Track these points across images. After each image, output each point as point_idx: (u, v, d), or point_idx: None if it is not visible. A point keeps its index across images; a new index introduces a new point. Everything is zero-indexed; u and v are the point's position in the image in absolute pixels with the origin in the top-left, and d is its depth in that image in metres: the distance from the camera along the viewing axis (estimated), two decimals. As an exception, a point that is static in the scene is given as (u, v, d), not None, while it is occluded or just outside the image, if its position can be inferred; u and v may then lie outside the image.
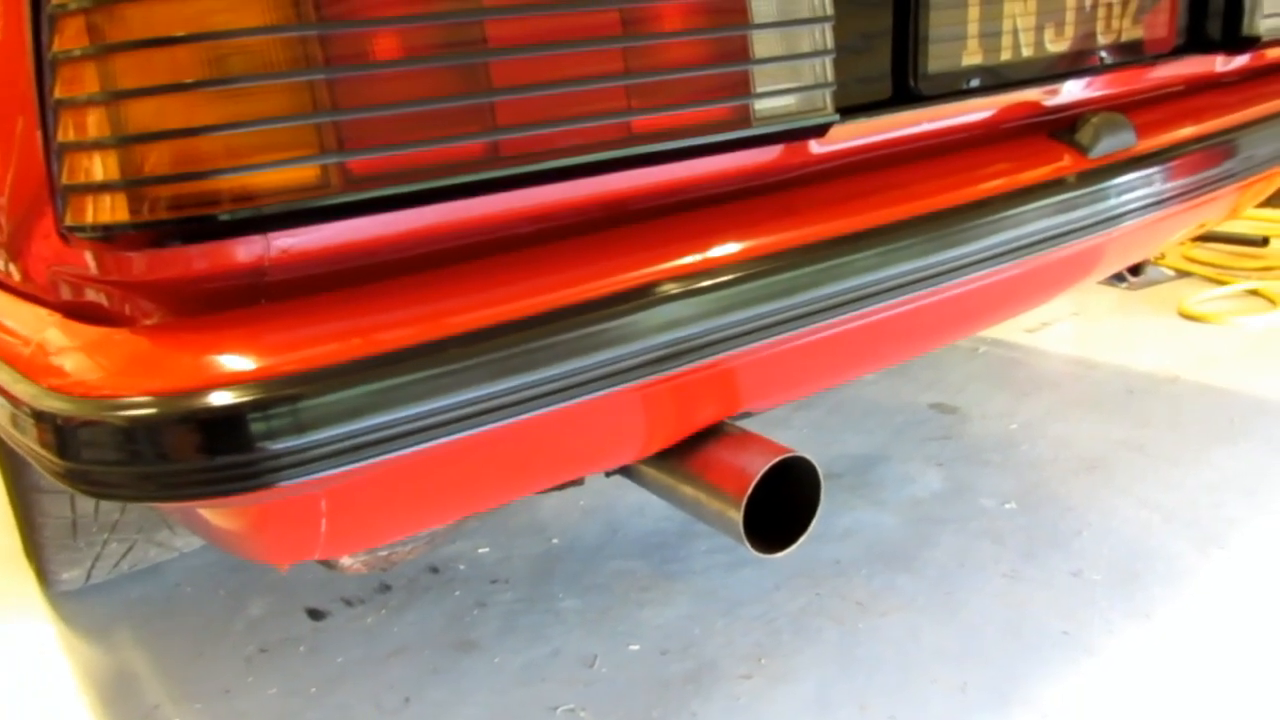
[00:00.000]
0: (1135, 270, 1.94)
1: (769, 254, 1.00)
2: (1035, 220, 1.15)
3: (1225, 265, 3.22)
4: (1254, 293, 2.98)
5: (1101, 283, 3.15)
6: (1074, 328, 2.84)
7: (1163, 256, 3.31)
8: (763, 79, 0.95)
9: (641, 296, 0.91)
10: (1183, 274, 3.21)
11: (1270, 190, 2.00)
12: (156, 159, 0.73)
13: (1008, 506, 1.89)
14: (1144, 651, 1.46)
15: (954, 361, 2.64)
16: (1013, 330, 2.82)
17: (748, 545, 1.12)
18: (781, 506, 1.19)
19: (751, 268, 0.98)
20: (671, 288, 0.93)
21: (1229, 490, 1.89)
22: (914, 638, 1.53)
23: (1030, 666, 1.45)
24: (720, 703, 1.42)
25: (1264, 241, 3.31)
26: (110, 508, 1.70)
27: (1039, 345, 2.72)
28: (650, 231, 0.97)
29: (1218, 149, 1.41)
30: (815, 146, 1.08)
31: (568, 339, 0.87)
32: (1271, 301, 2.89)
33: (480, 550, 1.87)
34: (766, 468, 1.11)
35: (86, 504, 1.68)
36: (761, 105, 0.96)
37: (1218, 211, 1.75)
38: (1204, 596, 1.58)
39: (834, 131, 1.06)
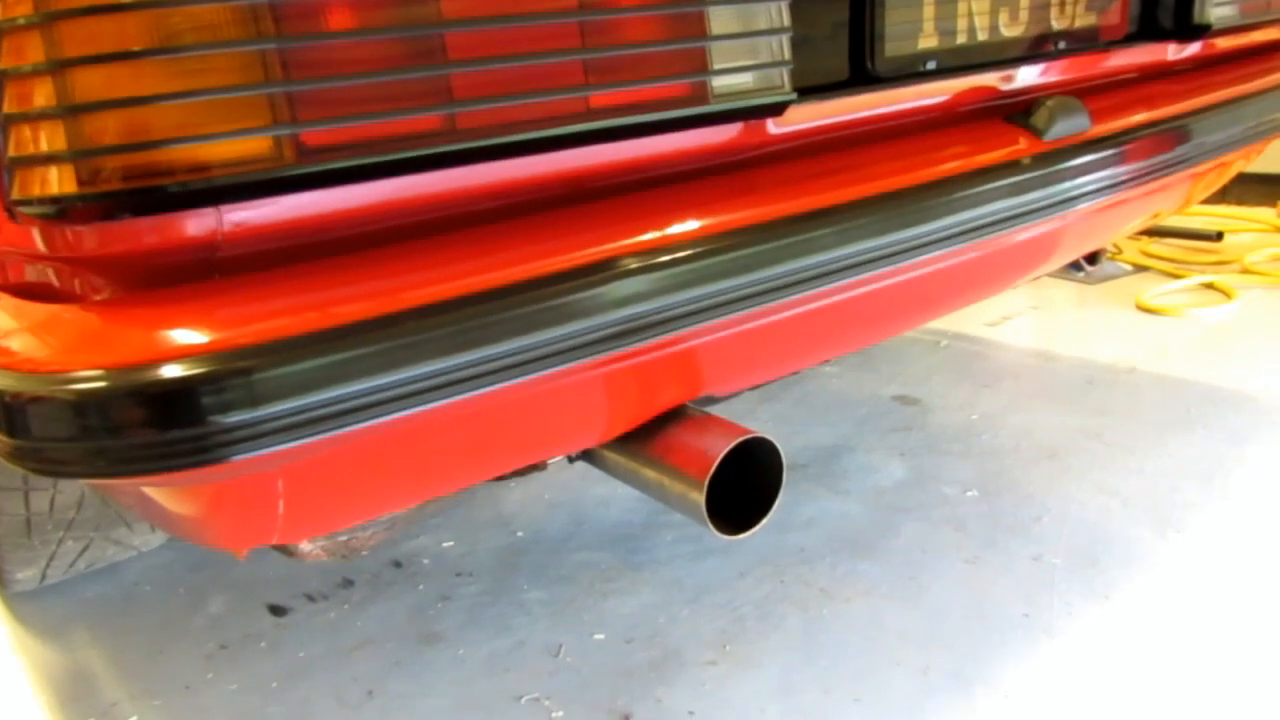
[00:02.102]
0: (1092, 259, 1.96)
1: (726, 232, 1.00)
2: (991, 201, 1.16)
3: (1181, 260, 3.28)
4: (1209, 286, 3.02)
5: (1060, 277, 3.19)
6: (1034, 321, 2.87)
7: (1120, 251, 3.36)
8: (720, 56, 0.95)
9: (599, 272, 0.91)
10: (1140, 269, 3.25)
11: (1221, 183, 2.03)
12: (104, 129, 0.72)
13: (969, 494, 1.90)
14: (1103, 633, 1.48)
15: (916, 354, 2.66)
16: (973, 324, 2.85)
17: (711, 527, 1.12)
18: (745, 488, 1.20)
19: (708, 245, 0.98)
20: (630, 264, 0.93)
21: (1186, 476, 1.91)
22: (877, 623, 1.54)
23: (992, 649, 1.46)
24: (685, 689, 1.42)
25: (1218, 236, 3.37)
26: (66, 504, 1.68)
27: (999, 338, 2.75)
28: (609, 209, 0.97)
29: (1170, 135, 1.43)
30: (772, 127, 1.09)
31: (522, 314, 0.86)
32: (1226, 294, 2.94)
33: (444, 544, 1.86)
34: (728, 449, 1.11)
35: (41, 501, 1.65)
36: (719, 83, 0.96)
37: (1170, 201, 1.78)
38: (1162, 579, 1.60)
39: (791, 112, 1.07)
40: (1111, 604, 1.54)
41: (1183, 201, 1.85)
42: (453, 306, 0.84)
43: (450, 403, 0.85)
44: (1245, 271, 3.12)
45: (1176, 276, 3.11)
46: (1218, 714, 1.31)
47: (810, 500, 1.91)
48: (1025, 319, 2.90)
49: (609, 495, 1.98)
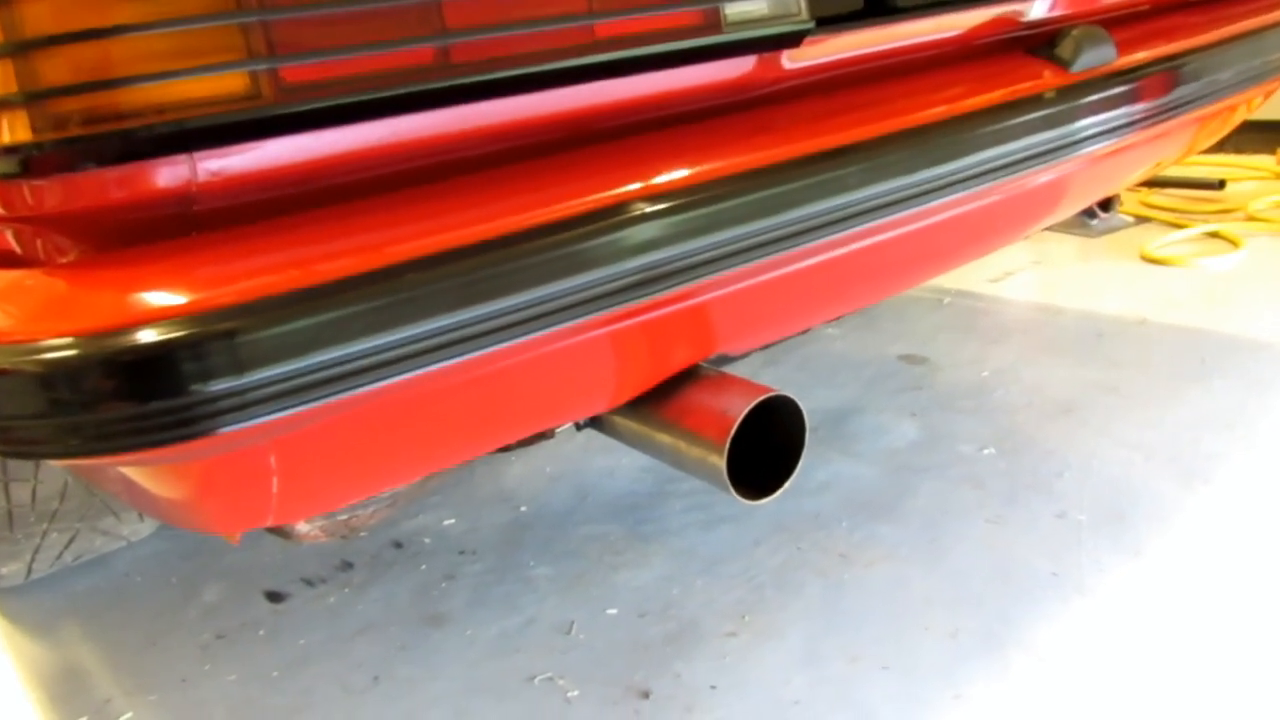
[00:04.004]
0: (1105, 206, 1.90)
1: (741, 174, 0.93)
2: (1021, 137, 1.10)
3: (1183, 210, 3.21)
4: (1214, 235, 2.96)
5: (1062, 230, 3.12)
6: (1037, 276, 2.81)
7: (1121, 203, 3.28)
8: (732, -20, 0.88)
9: (606, 219, 0.84)
10: (1141, 220, 3.19)
11: (1225, 131, 1.97)
12: (60, 67, 0.65)
13: (986, 452, 1.84)
14: (1137, 589, 1.42)
15: (919, 313, 2.59)
16: (975, 280, 2.79)
17: (732, 492, 1.06)
18: (763, 450, 1.14)
19: (723, 188, 0.91)
20: (639, 210, 0.86)
21: (1207, 426, 1.86)
22: (901, 587, 1.48)
23: (1022, 609, 1.40)
24: (705, 662, 1.36)
25: (1220, 185, 3.30)
26: (48, 495, 1.60)
27: (1003, 294, 2.69)
28: (615, 151, 0.90)
29: (1195, 66, 1.36)
30: (787, 61, 1.01)
31: (525, 266, 0.80)
32: (1233, 243, 2.88)
33: (446, 522, 1.79)
34: (749, 409, 1.05)
35: (22, 492, 1.58)
36: (733, 10, 0.89)
37: (1190, 140, 1.71)
38: (1192, 532, 1.54)
39: (807, 46, 1.00)
40: (1143, 560, 1.48)
41: (1186, 149, 1.79)
42: (450, 260, 0.77)
43: (452, 365, 0.79)
44: (1250, 219, 3.06)
45: (1180, 226, 3.05)
46: (1266, 668, 1.26)
47: (822, 464, 1.84)
48: (1027, 274, 2.83)
49: (613, 465, 1.92)
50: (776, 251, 0.95)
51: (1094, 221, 1.83)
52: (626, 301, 0.86)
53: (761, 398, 1.06)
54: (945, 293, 2.72)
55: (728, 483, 1.05)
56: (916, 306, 2.64)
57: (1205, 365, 2.12)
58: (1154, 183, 3.38)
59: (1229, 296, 2.51)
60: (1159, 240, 2.93)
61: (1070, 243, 3.05)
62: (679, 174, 0.90)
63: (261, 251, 0.72)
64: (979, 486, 1.72)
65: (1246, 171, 3.53)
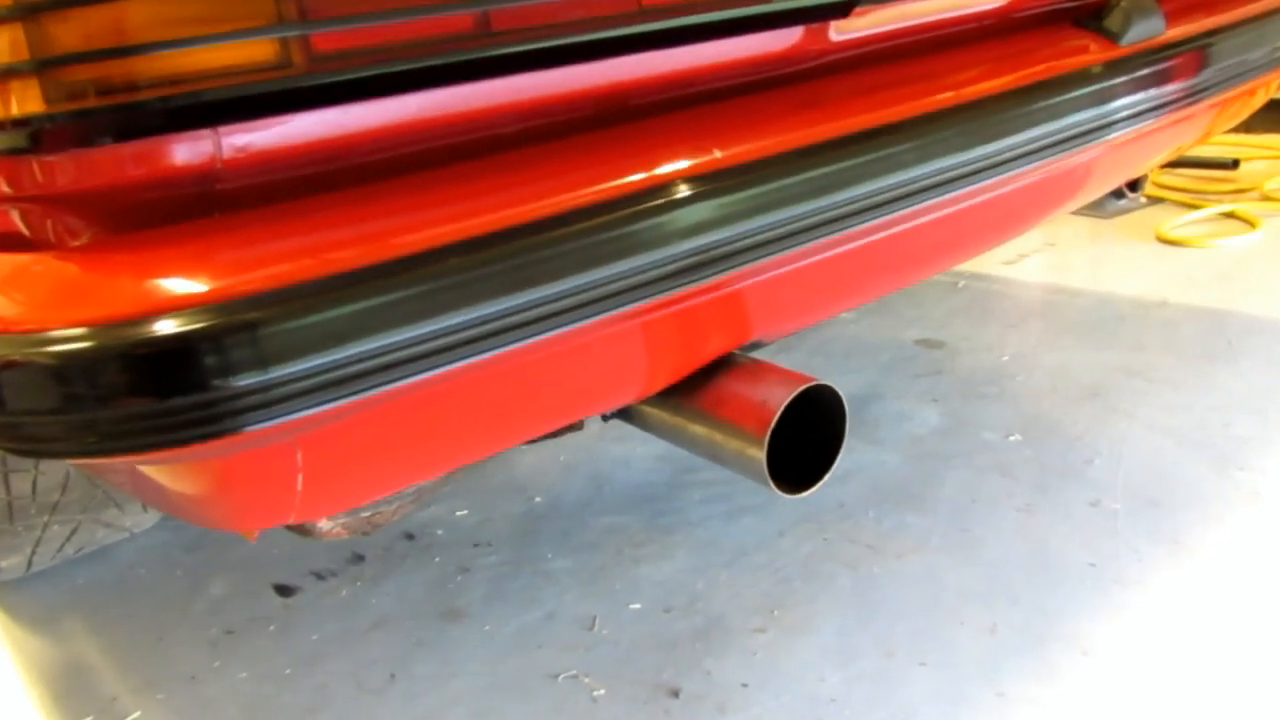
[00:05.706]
0: (1133, 186, 1.85)
1: (787, 153, 0.88)
2: (1071, 113, 1.05)
3: (1197, 190, 3.16)
4: (1230, 215, 2.92)
5: (1074, 211, 3.07)
6: (1051, 258, 2.76)
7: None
8: (784, -57, 0.83)
9: (654, 200, 0.79)
10: (1154, 200, 3.14)
11: (1246, 113, 1.92)
12: (74, 32, 0.59)
13: (1012, 439, 1.80)
14: (1179, 579, 1.38)
15: (934, 296, 2.55)
16: (990, 263, 2.74)
17: (772, 486, 1.02)
18: (798, 440, 1.09)
19: (771, 168, 0.86)
20: (686, 190, 0.81)
21: (1237, 410, 1.81)
22: (933, 578, 1.43)
23: (1061, 602, 1.36)
24: (735, 658, 1.32)
25: (1234, 164, 3.26)
26: (49, 486, 1.55)
27: (1019, 277, 2.64)
28: (659, 128, 0.85)
29: (1240, 39, 1.31)
30: (834, 33, 0.96)
31: (574, 248, 0.75)
32: (1249, 223, 2.83)
33: (458, 513, 1.74)
34: (789, 399, 1.00)
35: (22, 483, 1.53)
36: (783, -25, 0.84)
37: (1211, 123, 1.66)
38: (1231, 518, 1.50)
39: (854, 19, 0.95)
40: (1182, 549, 1.44)
41: (1204, 134, 1.73)
42: (489, 244, 0.72)
43: (487, 358, 0.74)
44: (1265, 199, 3.01)
45: (1194, 207, 3.00)
46: (1312, 664, 1.22)
47: (845, 451, 1.77)
48: (1041, 256, 2.79)
49: (628, 454, 1.87)
50: (825, 234, 0.90)
51: (1122, 201, 1.78)
52: (673, 288, 0.81)
53: (803, 387, 1.01)
54: (960, 275, 2.67)
55: (767, 476, 1.00)
56: (931, 289, 2.59)
57: (1232, 347, 2.08)
58: (1167, 163, 3.32)
59: (1249, 277, 2.46)
60: (1174, 221, 2.88)
61: (1083, 224, 3.00)
62: (722, 153, 0.85)
63: (290, 234, 0.67)
64: (1007, 474, 1.68)
65: (1258, 151, 3.48)
